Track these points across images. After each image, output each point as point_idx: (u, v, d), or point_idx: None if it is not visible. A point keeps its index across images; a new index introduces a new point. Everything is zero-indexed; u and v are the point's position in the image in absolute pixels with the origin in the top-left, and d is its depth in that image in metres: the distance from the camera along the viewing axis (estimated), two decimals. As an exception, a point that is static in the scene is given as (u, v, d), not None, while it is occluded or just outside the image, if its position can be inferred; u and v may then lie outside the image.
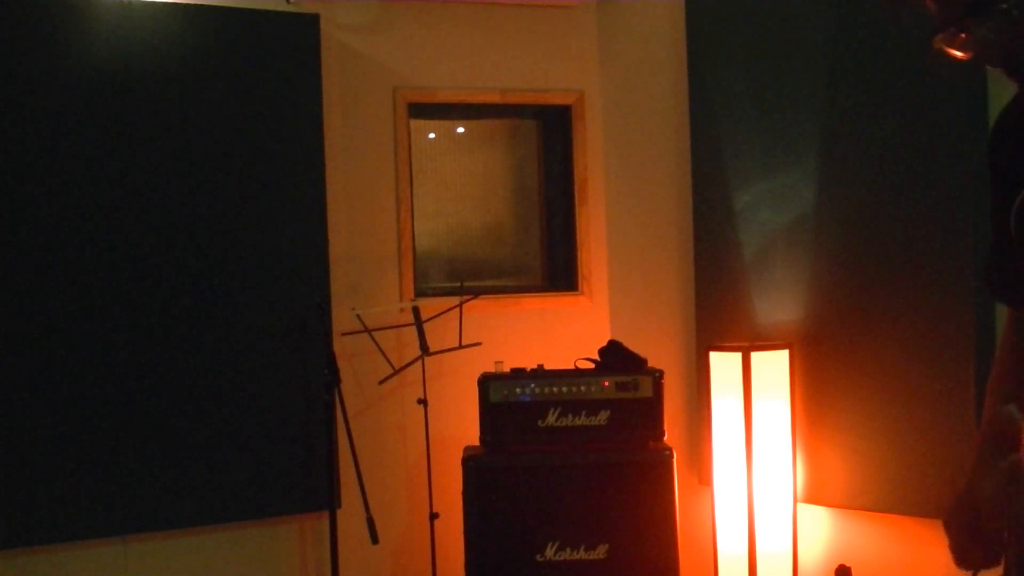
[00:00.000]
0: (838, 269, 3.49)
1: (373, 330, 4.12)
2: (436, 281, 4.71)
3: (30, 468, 3.66)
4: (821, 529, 3.65)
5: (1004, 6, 1.44)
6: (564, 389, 3.81)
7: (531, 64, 4.71)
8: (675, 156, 4.29)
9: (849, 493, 3.47)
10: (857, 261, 3.42)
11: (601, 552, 3.72)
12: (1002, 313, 1.75)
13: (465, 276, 4.49)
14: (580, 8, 4.76)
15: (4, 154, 3.65)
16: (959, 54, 1.51)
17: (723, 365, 3.65)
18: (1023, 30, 1.45)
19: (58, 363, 3.71)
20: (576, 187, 4.78)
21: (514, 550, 3.71)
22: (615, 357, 3.95)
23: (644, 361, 3.92)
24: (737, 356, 3.56)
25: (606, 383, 3.81)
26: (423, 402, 4.07)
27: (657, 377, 3.83)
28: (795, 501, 3.62)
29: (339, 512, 3.92)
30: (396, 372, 4.17)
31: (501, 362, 3.95)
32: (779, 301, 3.70)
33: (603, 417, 3.80)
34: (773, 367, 3.58)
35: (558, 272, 4.88)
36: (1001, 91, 2.78)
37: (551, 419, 3.80)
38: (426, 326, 4.15)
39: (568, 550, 3.71)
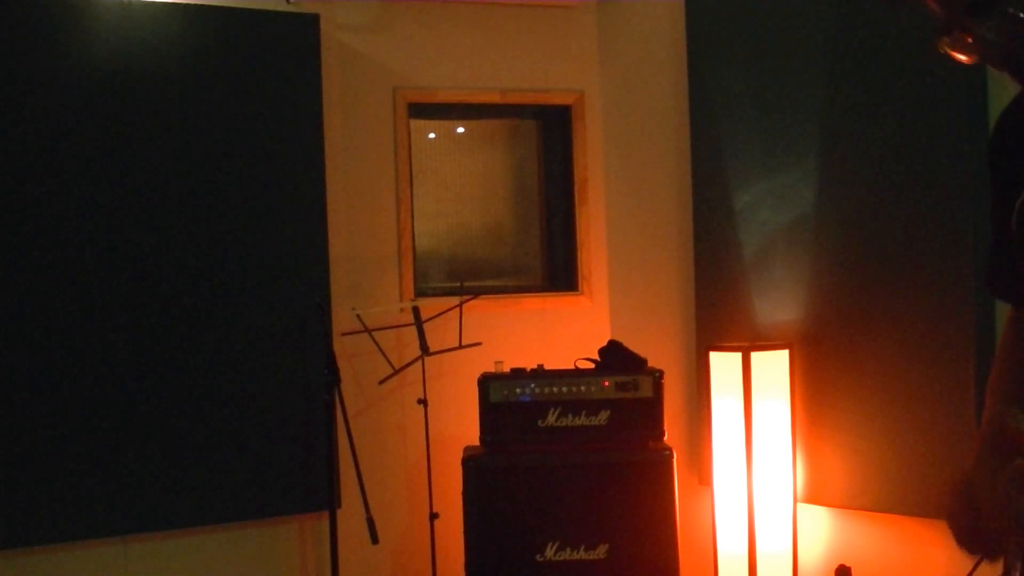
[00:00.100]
0: (838, 269, 3.49)
1: (373, 330, 4.12)
2: (436, 281, 4.71)
3: (30, 468, 3.66)
4: (821, 529, 3.65)
5: (1006, 9, 1.44)
6: (564, 389, 3.81)
7: (531, 64, 4.71)
8: (675, 156, 4.29)
9: (849, 493, 3.47)
10: (857, 261, 3.42)
11: (601, 552, 3.72)
12: (1002, 313, 1.75)
13: (465, 276, 4.49)
14: (580, 8, 4.76)
15: (4, 154, 3.65)
16: (963, 57, 1.51)
17: (723, 365, 3.65)
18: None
19: (58, 363, 3.71)
20: (576, 187, 4.78)
21: (514, 550, 3.71)
22: (615, 357, 3.95)
23: (644, 361, 3.92)
24: (737, 356, 3.56)
25: (606, 383, 3.81)
26: (423, 402, 4.07)
27: (657, 377, 3.83)
28: (795, 501, 3.62)
29: (339, 512, 3.91)
30: (396, 372, 4.17)
31: (501, 362, 3.95)
32: (779, 301, 3.70)
33: (603, 417, 3.80)
34: (773, 367, 3.58)
35: (558, 272, 4.88)
36: (1001, 91, 2.78)
37: (551, 419, 3.80)
38: (426, 326, 4.15)
39: (568, 550, 3.71)
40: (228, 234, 3.98)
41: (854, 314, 3.44)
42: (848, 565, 3.38)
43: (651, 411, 3.81)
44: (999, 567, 1.54)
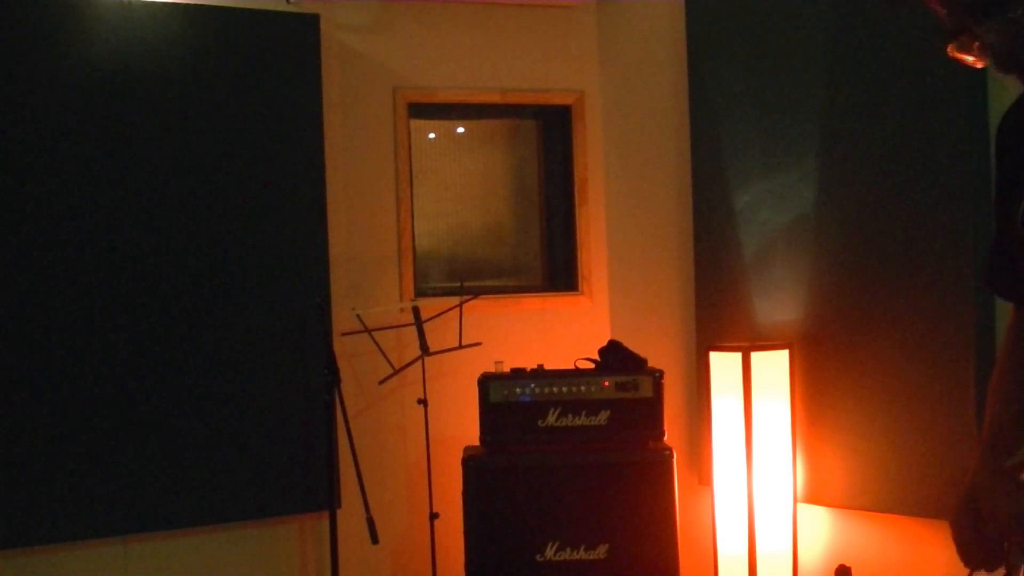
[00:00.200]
0: (838, 269, 3.49)
1: (373, 330, 4.12)
2: (436, 281, 4.71)
3: (30, 468, 3.66)
4: (821, 529, 3.65)
5: (1006, 12, 1.44)
6: (564, 389, 3.81)
7: (531, 64, 4.71)
8: (675, 156, 4.29)
9: (849, 493, 3.47)
10: (857, 261, 3.42)
11: (601, 552, 3.72)
12: (1002, 314, 1.76)
13: (465, 276, 4.49)
14: (580, 8, 4.76)
15: (4, 154, 3.65)
16: (971, 60, 1.51)
17: (723, 365, 3.65)
18: None
19: (58, 363, 3.71)
20: (576, 187, 4.78)
21: (514, 550, 3.71)
22: (615, 357, 3.95)
23: (644, 361, 3.92)
24: (737, 356, 3.56)
25: (606, 383, 3.81)
26: (423, 402, 4.07)
27: (657, 377, 3.83)
28: (795, 501, 3.62)
29: (339, 512, 3.91)
30: (396, 372, 4.17)
31: (501, 362, 3.95)
32: (779, 301, 3.70)
33: (603, 417, 3.80)
34: (773, 367, 3.58)
35: (558, 272, 4.88)
36: (1001, 91, 2.78)
37: (551, 419, 3.80)
38: (426, 326, 4.15)
39: (568, 550, 3.71)
40: (228, 234, 3.98)
41: (854, 314, 3.44)
42: (848, 565, 3.39)
43: (651, 411, 3.81)
44: (1002, 569, 1.54)
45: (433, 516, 4.05)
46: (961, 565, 1.62)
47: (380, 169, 4.51)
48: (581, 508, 3.71)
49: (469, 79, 4.64)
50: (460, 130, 4.87)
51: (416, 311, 4.16)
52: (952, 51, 1.52)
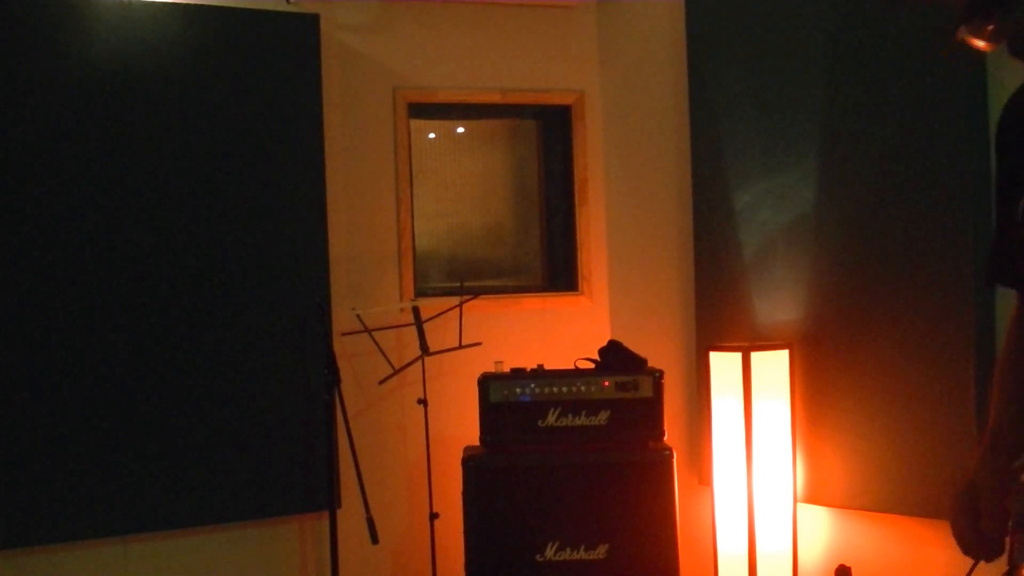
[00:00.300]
0: (838, 269, 3.49)
1: (373, 330, 4.12)
2: (436, 281, 4.71)
3: (30, 468, 3.66)
4: (821, 529, 3.65)
5: None
6: (564, 389, 3.81)
7: (531, 64, 4.71)
8: (675, 156, 4.29)
9: (849, 493, 3.47)
10: (857, 261, 3.42)
11: (601, 552, 3.72)
12: (1002, 314, 1.75)
13: (465, 276, 4.49)
14: (580, 8, 4.76)
15: (4, 154, 3.65)
16: (982, 44, 1.50)
17: (723, 365, 3.65)
18: None
19: (58, 363, 3.71)
20: (576, 187, 4.78)
21: (514, 550, 3.71)
22: (615, 357, 3.95)
23: (644, 361, 3.92)
24: (737, 356, 3.56)
25: (606, 383, 3.81)
26: (423, 402, 4.07)
27: (657, 377, 3.83)
28: (795, 501, 3.62)
29: (339, 512, 3.91)
30: (396, 372, 4.17)
31: (501, 362, 3.95)
32: (779, 301, 3.70)
33: (603, 417, 3.80)
34: (773, 367, 3.58)
35: (558, 272, 4.88)
36: (1001, 91, 2.78)
37: (551, 419, 3.80)
38: (426, 326, 4.15)
39: (568, 550, 3.71)
40: (228, 234, 3.98)
41: (854, 314, 3.44)
42: (848, 565, 3.38)
43: (651, 411, 3.81)
44: (1000, 567, 1.54)
45: (433, 516, 4.05)
46: (961, 565, 1.62)
47: (380, 169, 4.51)
48: (581, 508, 3.71)
49: (469, 79, 4.64)
50: (460, 130, 4.87)
51: (416, 311, 4.16)
52: (962, 33, 1.50)
